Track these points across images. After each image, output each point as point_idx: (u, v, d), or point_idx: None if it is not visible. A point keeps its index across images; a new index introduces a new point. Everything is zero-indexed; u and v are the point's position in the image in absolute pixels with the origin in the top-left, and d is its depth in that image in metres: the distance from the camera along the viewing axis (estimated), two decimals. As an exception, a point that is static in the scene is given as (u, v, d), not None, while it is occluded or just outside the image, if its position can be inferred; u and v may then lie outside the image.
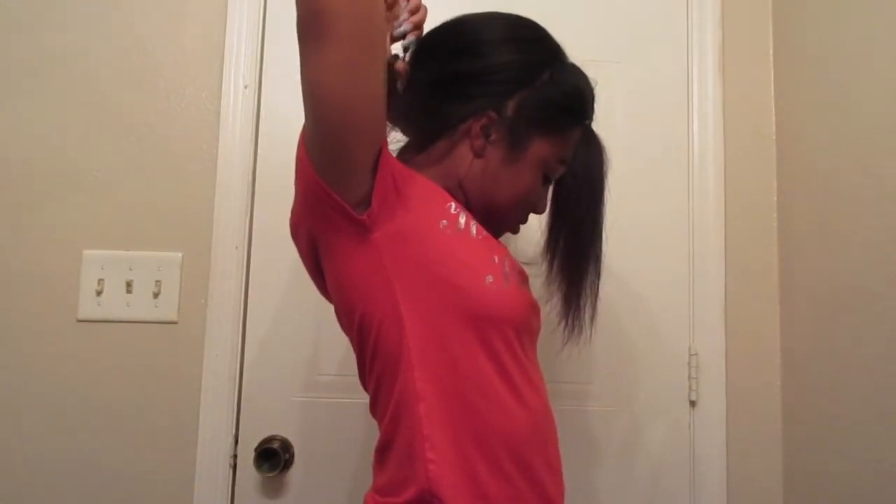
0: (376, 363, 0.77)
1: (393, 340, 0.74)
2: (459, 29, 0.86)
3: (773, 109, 1.42)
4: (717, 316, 1.36)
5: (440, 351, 0.74)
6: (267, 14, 1.36)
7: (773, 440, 1.34)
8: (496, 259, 0.79)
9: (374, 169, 0.73)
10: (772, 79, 1.43)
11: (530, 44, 0.86)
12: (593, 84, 0.88)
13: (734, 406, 1.34)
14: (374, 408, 0.81)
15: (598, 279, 0.89)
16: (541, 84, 0.83)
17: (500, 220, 0.87)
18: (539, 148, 0.83)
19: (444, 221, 0.77)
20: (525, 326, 0.80)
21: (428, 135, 0.85)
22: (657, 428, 1.34)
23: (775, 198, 1.40)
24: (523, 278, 0.86)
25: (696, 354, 1.35)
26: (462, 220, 0.78)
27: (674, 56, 1.43)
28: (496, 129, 0.82)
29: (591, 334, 0.90)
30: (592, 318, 0.90)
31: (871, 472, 1.09)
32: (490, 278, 0.75)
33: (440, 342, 0.74)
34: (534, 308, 0.84)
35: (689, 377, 1.35)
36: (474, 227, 0.80)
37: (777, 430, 1.34)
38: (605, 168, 0.88)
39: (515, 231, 0.93)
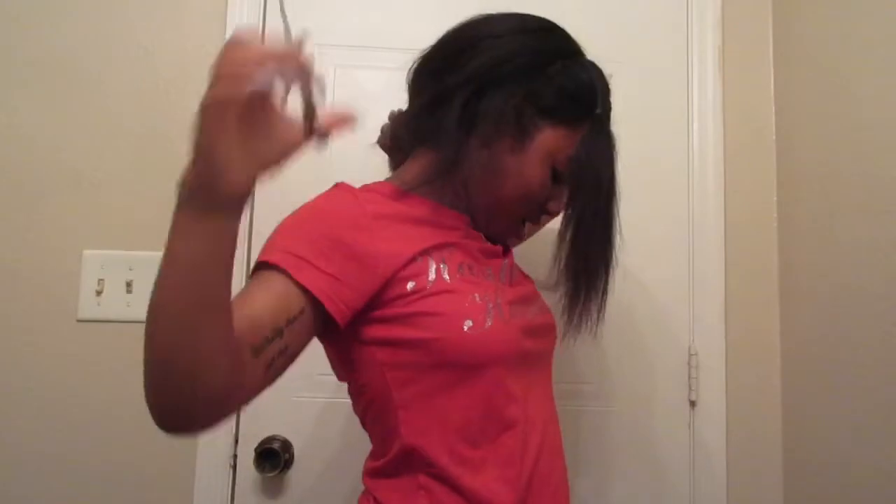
0: (364, 403, 0.82)
1: (382, 404, 0.78)
2: (476, 24, 0.85)
3: (773, 109, 1.42)
4: (717, 316, 1.36)
5: (426, 406, 0.76)
6: (267, 14, 1.36)
7: (773, 440, 1.34)
8: (477, 297, 0.77)
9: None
10: (772, 79, 1.43)
11: (540, 33, 0.85)
12: (608, 79, 0.87)
13: (734, 406, 1.34)
14: (364, 424, 0.85)
15: (607, 277, 0.86)
16: (552, 72, 0.82)
17: (503, 216, 0.86)
18: (546, 138, 0.82)
19: (411, 284, 0.75)
20: (514, 357, 0.80)
21: (449, 150, 0.81)
22: (657, 428, 1.34)
23: (775, 198, 1.40)
24: (522, 300, 0.85)
25: (696, 354, 1.35)
26: (432, 271, 0.77)
27: (674, 56, 1.43)
28: (504, 117, 0.81)
29: (596, 332, 0.88)
30: (599, 317, 0.87)
31: (871, 472, 1.08)
32: (469, 323, 0.75)
33: (428, 401, 0.76)
34: (528, 332, 0.83)
35: (689, 377, 1.34)
36: (447, 271, 0.77)
37: (777, 430, 1.34)
38: (612, 160, 0.84)
39: (521, 234, 0.92)
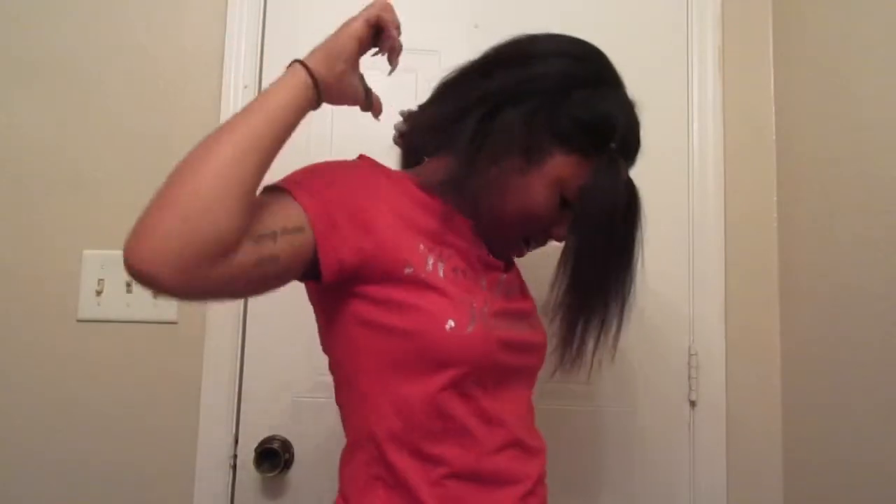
0: (337, 383, 0.84)
1: (352, 380, 0.80)
2: (518, 42, 0.85)
3: (773, 109, 1.42)
4: (717, 316, 1.36)
5: (390, 396, 0.77)
6: (267, 14, 1.36)
7: (773, 440, 1.34)
8: (464, 301, 0.78)
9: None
10: (772, 79, 1.43)
11: (577, 60, 0.83)
12: (637, 114, 0.86)
13: (734, 406, 1.34)
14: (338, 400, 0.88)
15: (606, 317, 0.84)
16: (575, 99, 0.81)
17: (503, 233, 0.86)
18: (557, 163, 0.81)
19: (409, 269, 0.75)
20: (487, 367, 0.79)
21: (461, 164, 0.81)
22: (657, 428, 1.34)
23: (775, 198, 1.40)
24: (511, 314, 0.85)
25: (696, 354, 1.35)
26: (429, 264, 0.77)
27: (674, 56, 1.43)
28: (516, 136, 0.80)
29: (589, 375, 0.87)
30: (593, 359, 0.86)
31: (871, 471, 1.09)
32: (451, 323, 0.75)
33: (394, 391, 0.77)
34: (508, 346, 0.82)
35: (689, 377, 1.35)
36: (442, 269, 0.78)
37: (777, 430, 1.34)
38: (619, 197, 0.82)
39: (520, 251, 0.90)
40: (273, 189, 0.73)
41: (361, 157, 0.86)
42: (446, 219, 0.83)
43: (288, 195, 0.71)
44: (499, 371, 0.82)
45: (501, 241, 0.88)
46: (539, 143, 0.80)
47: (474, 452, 0.78)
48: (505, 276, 0.89)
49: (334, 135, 1.33)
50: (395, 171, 0.87)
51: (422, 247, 0.78)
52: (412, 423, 0.77)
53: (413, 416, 0.76)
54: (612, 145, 0.82)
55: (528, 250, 0.91)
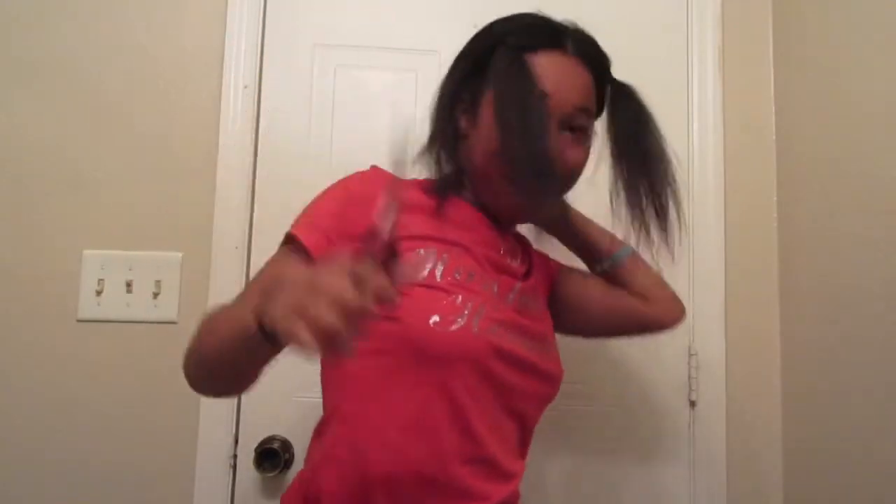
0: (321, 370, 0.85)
1: (329, 373, 0.82)
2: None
3: (773, 109, 1.42)
4: (717, 316, 1.36)
5: (367, 386, 0.77)
6: (267, 14, 1.36)
7: (773, 440, 1.34)
8: (459, 299, 0.77)
9: None
10: (772, 79, 1.43)
11: (505, 21, 0.89)
12: (544, 16, 0.88)
13: (734, 406, 1.34)
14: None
15: (670, 190, 0.88)
16: (496, 57, 0.84)
17: (494, 187, 0.84)
18: (489, 99, 0.83)
19: None
20: (470, 369, 0.77)
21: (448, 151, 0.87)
22: (657, 428, 1.34)
23: (775, 198, 1.40)
24: (517, 328, 0.83)
25: (696, 354, 1.35)
26: (428, 266, 0.78)
27: (674, 56, 1.43)
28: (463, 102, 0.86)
29: (676, 242, 0.90)
30: (673, 223, 0.89)
31: (871, 472, 1.09)
32: (436, 318, 0.75)
33: (372, 382, 0.77)
34: (505, 357, 0.79)
35: (689, 377, 1.35)
36: (441, 272, 0.78)
37: (777, 430, 1.34)
38: (508, 85, 0.82)
39: (523, 201, 0.85)
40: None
41: (372, 168, 0.87)
42: (458, 216, 0.84)
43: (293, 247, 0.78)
44: (493, 383, 0.79)
45: (500, 195, 0.85)
46: (473, 93, 0.85)
47: (437, 457, 0.76)
48: (521, 284, 0.88)
49: (334, 131, 1.33)
50: (414, 180, 0.88)
51: (422, 251, 0.78)
52: (385, 412, 0.76)
53: (388, 406, 0.76)
54: (502, 47, 0.84)
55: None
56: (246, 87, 1.33)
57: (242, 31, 1.34)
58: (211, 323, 0.71)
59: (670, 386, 1.35)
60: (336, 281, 0.49)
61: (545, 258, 1.03)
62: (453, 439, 0.77)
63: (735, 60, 1.43)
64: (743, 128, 1.41)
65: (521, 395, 0.84)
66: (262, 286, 0.71)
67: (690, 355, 1.35)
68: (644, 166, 0.87)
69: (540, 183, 0.80)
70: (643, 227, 0.88)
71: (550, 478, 1.32)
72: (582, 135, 0.85)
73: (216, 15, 1.35)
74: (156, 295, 1.28)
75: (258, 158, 1.32)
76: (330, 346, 0.48)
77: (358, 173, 0.85)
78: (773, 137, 1.41)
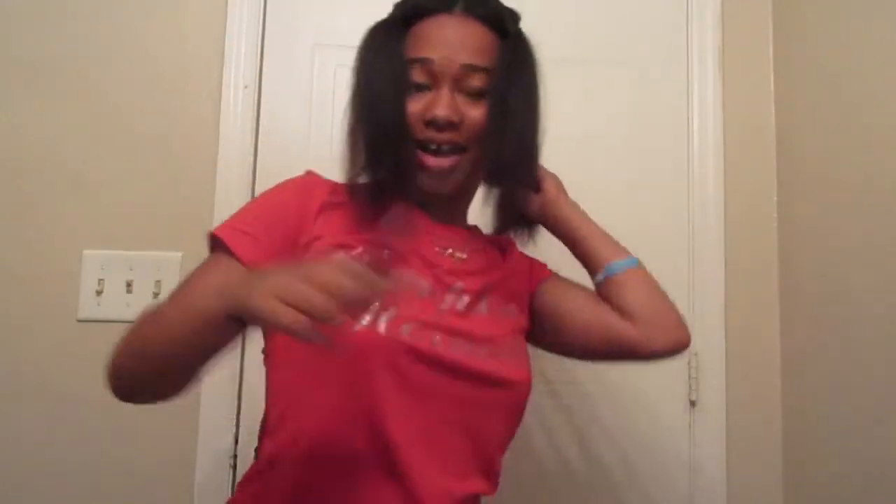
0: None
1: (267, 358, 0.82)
2: None
3: (773, 109, 1.42)
4: (717, 316, 1.36)
5: (295, 391, 0.76)
6: (267, 14, 1.36)
7: (773, 440, 1.34)
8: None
9: None
10: (772, 79, 1.43)
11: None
12: None
13: (734, 406, 1.34)
14: None
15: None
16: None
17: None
18: None
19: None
20: (387, 374, 0.72)
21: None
22: (657, 428, 1.34)
23: (775, 198, 1.40)
24: (454, 331, 0.77)
25: (696, 354, 1.35)
26: None
27: (674, 56, 1.43)
28: None
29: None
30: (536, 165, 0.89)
31: (870, 472, 1.08)
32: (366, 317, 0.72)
33: (299, 385, 0.76)
34: (429, 362, 0.74)
35: (689, 377, 1.34)
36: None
37: (777, 430, 1.34)
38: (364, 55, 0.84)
39: (424, 161, 0.82)
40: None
41: (307, 173, 0.88)
42: (379, 214, 0.82)
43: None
44: (416, 388, 0.73)
45: (400, 171, 0.82)
46: None
47: (351, 455, 0.72)
48: (467, 283, 0.82)
49: (334, 131, 1.33)
50: (334, 185, 0.86)
51: (342, 256, 0.77)
52: (314, 404, 0.74)
53: (290, 404, 0.76)
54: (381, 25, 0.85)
55: (432, 157, 0.82)
56: (246, 87, 1.33)
57: (242, 31, 1.34)
58: (155, 318, 0.71)
59: (670, 386, 1.35)
60: (328, 271, 0.54)
61: (532, 262, 0.96)
62: (367, 440, 0.72)
63: (735, 60, 1.43)
64: (743, 128, 1.41)
65: (469, 405, 0.77)
66: (211, 285, 0.72)
67: (690, 355, 1.35)
68: (512, 108, 0.82)
69: (392, 150, 0.81)
70: (505, 166, 0.84)
71: (550, 478, 1.32)
72: (476, 93, 0.81)
73: (216, 15, 1.35)
74: (156, 295, 1.28)
75: (258, 158, 1.32)
76: (312, 328, 0.51)
77: (292, 179, 0.85)
78: (773, 137, 1.41)
